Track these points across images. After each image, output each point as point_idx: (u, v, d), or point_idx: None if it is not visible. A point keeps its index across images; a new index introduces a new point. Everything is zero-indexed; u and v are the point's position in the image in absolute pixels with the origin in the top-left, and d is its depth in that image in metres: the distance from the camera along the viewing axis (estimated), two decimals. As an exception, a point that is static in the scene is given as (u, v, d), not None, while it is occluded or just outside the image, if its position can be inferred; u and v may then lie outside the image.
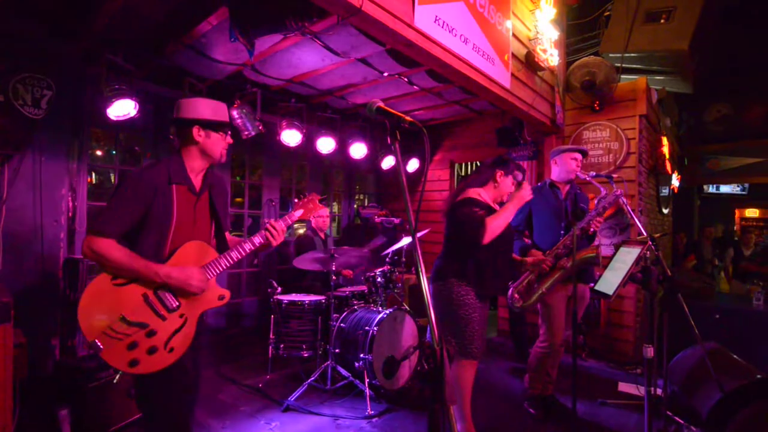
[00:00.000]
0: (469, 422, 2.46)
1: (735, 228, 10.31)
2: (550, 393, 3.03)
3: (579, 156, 2.99)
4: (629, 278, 1.92)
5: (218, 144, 1.73)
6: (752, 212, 10.79)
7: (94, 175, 4.41)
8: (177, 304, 1.60)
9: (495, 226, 2.24)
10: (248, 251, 1.74)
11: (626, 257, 2.01)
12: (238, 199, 4.94)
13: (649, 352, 1.89)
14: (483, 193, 2.48)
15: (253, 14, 2.18)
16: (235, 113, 3.70)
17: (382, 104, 1.26)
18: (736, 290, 6.53)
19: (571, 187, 3.05)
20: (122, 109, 3.05)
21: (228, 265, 1.71)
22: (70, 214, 3.26)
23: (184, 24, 2.81)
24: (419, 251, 1.08)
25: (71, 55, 3.08)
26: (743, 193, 9.85)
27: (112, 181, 3.86)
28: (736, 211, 10.68)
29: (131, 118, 3.12)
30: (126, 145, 4.03)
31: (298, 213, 1.92)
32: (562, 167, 3.00)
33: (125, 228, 1.54)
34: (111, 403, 2.52)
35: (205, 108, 1.72)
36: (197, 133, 1.68)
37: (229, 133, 1.78)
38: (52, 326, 2.98)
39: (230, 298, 1.76)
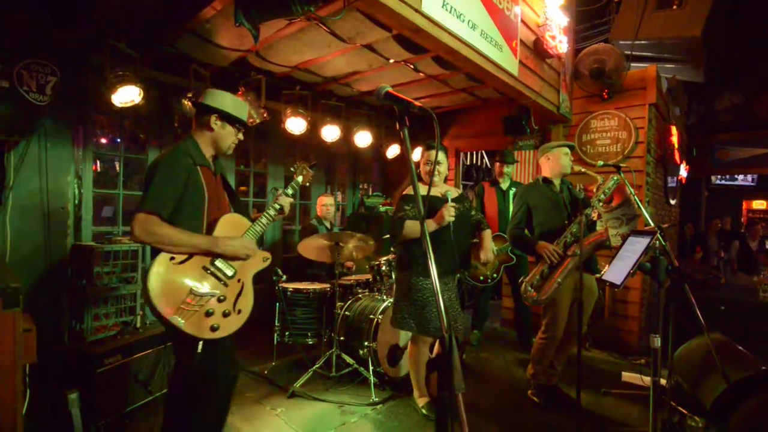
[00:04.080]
0: (423, 389, 2.84)
1: (741, 220, 10.22)
2: (554, 383, 3.04)
3: (570, 151, 3.02)
4: (638, 268, 1.91)
5: (230, 137, 1.88)
6: (759, 204, 10.69)
7: (98, 162, 4.41)
8: (233, 270, 1.77)
9: (411, 231, 2.53)
10: (272, 217, 1.95)
11: (635, 246, 1.99)
12: (243, 188, 4.92)
13: (656, 341, 1.88)
14: (422, 187, 2.64)
15: (258, -2, 2.15)
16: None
17: (390, 89, 1.24)
18: (742, 282, 6.51)
19: (562, 181, 3.06)
20: (127, 95, 3.02)
21: (262, 230, 1.91)
22: (77, 201, 3.27)
23: (188, 10, 2.77)
24: (428, 239, 1.07)
25: (75, 41, 3.05)
26: (752, 184, 9.74)
27: (117, 169, 3.85)
28: (744, 203, 10.58)
29: (136, 105, 3.10)
30: (130, 133, 4.00)
31: (299, 179, 2.16)
32: (555, 163, 2.99)
33: (170, 209, 1.64)
34: (120, 387, 2.56)
35: (228, 102, 1.85)
36: (214, 122, 1.82)
37: (243, 131, 1.93)
38: (61, 312, 3.01)
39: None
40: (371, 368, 3.11)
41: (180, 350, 1.78)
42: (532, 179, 3.19)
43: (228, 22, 2.77)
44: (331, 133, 4.54)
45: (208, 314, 1.64)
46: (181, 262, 1.63)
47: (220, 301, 1.69)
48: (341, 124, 4.59)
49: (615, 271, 2.05)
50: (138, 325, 2.89)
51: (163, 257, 1.59)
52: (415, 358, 2.80)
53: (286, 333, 3.39)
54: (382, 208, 5.51)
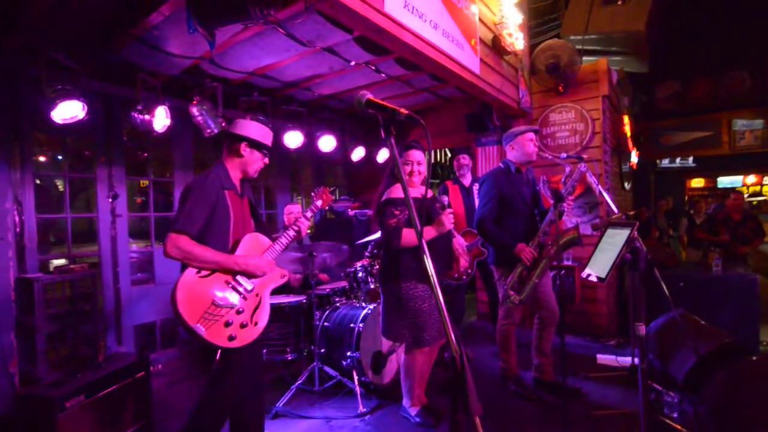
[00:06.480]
0: (415, 398, 2.74)
1: (685, 199, 10.97)
2: (552, 378, 3.05)
3: (535, 136, 2.97)
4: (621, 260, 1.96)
5: (258, 162, 2.07)
6: (698, 182, 11.55)
7: (39, 182, 4.04)
8: (252, 285, 1.93)
9: (410, 240, 2.38)
10: (291, 237, 2.10)
11: (615, 239, 2.04)
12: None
13: (641, 329, 1.94)
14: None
15: (213, 2, 2.01)
16: (194, 110, 3.47)
17: (371, 96, 1.18)
18: (691, 258, 6.95)
19: (528, 170, 3.05)
20: (68, 111, 2.76)
21: (281, 249, 2.07)
22: (18, 230, 2.96)
23: (134, 15, 2.57)
24: (425, 244, 1.02)
25: (6, 53, 2.76)
26: (692, 165, 10.47)
27: (61, 189, 3.54)
28: (687, 183, 11.38)
29: (79, 120, 2.85)
30: (75, 150, 3.69)
31: (319, 203, 2.29)
32: (520, 150, 2.95)
33: (200, 228, 1.82)
34: (87, 429, 2.33)
35: (256, 130, 2.05)
36: (244, 149, 2.01)
37: (268, 155, 2.12)
38: (9, 354, 2.72)
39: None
40: (356, 378, 3.03)
41: (203, 362, 1.91)
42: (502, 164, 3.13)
43: (178, 27, 2.60)
44: (293, 139, 4.39)
45: (227, 325, 1.79)
46: (206, 276, 1.80)
47: (238, 313, 1.84)
48: (303, 129, 4.46)
49: (598, 265, 2.10)
50: (100, 359, 2.66)
51: (190, 270, 1.77)
52: (409, 368, 2.66)
53: (264, 351, 3.23)
54: (351, 212, 5.41)
